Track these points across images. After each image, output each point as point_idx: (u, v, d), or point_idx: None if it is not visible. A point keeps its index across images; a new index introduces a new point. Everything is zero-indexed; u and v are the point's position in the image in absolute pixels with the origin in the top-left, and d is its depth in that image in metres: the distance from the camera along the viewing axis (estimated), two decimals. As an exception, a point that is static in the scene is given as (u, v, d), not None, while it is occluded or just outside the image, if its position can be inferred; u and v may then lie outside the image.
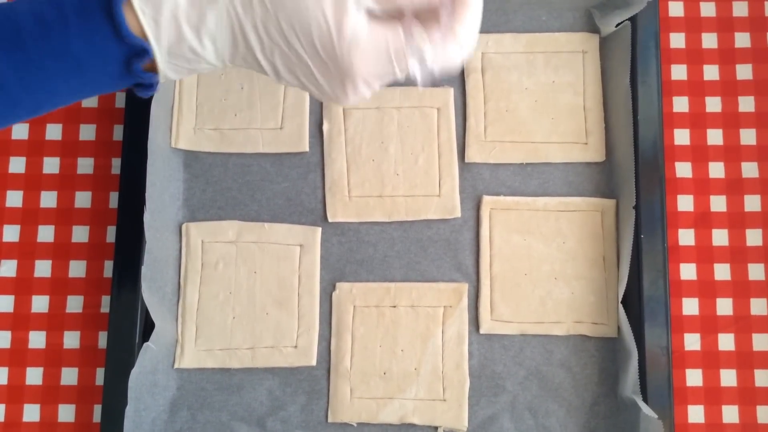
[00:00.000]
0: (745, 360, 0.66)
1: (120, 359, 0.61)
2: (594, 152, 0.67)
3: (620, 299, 0.63)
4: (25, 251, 0.68)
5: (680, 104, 0.70)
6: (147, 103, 0.62)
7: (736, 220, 0.68)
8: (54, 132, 0.70)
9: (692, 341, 0.67)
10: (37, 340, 0.67)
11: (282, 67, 0.39)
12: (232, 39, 0.38)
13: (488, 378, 0.65)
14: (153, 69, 0.38)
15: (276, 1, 0.36)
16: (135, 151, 0.63)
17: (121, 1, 0.35)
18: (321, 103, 0.68)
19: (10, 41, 0.35)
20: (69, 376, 0.66)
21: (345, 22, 0.37)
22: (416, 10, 0.39)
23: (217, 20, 0.37)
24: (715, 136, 0.70)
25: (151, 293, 0.61)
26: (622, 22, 0.66)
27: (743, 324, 0.67)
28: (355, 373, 0.64)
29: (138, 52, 0.36)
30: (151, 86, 0.39)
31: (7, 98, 0.36)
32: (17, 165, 0.70)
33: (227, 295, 0.66)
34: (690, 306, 0.67)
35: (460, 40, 0.40)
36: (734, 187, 0.69)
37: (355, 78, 0.39)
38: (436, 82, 0.42)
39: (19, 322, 0.67)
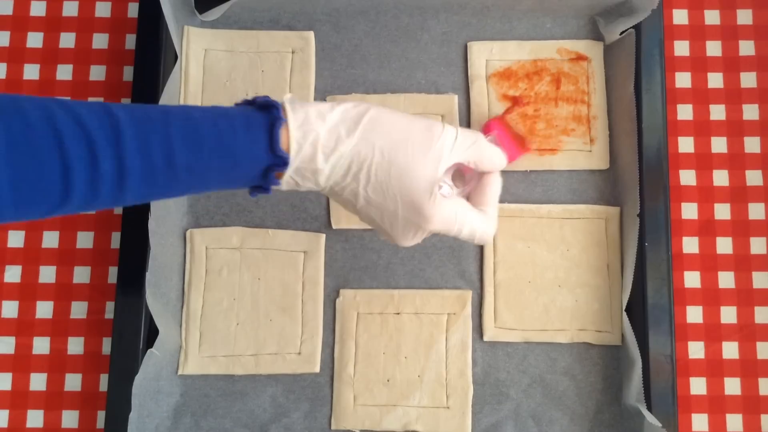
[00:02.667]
0: (750, 368, 0.66)
1: (124, 365, 0.61)
2: (598, 160, 0.67)
3: (624, 307, 0.63)
4: (30, 257, 0.68)
5: (684, 112, 0.70)
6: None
7: (740, 228, 0.68)
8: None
9: (696, 349, 0.67)
10: (41, 345, 0.67)
11: (373, 202, 0.48)
12: (346, 171, 0.47)
13: (492, 385, 0.64)
14: (277, 178, 0.47)
15: (392, 156, 0.46)
16: (140, 157, 0.63)
17: (280, 126, 0.45)
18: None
19: (191, 137, 0.44)
20: (73, 382, 0.66)
21: (436, 189, 0.48)
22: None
23: (342, 155, 0.46)
24: (719, 144, 0.70)
25: (156, 299, 0.61)
26: (626, 30, 0.66)
27: (747, 332, 0.67)
28: (359, 380, 0.64)
29: (279, 163, 0.45)
30: (267, 191, 0.48)
31: (172, 175, 0.43)
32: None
33: (231, 302, 0.66)
34: (694, 314, 0.67)
35: (492, 219, 0.52)
36: (738, 195, 0.69)
37: (428, 228, 0.49)
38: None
39: (24, 327, 0.67)
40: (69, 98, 0.44)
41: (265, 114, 0.46)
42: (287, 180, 0.47)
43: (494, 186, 0.53)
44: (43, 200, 0.40)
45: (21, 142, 0.38)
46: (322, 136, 0.46)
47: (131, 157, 0.41)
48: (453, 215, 0.49)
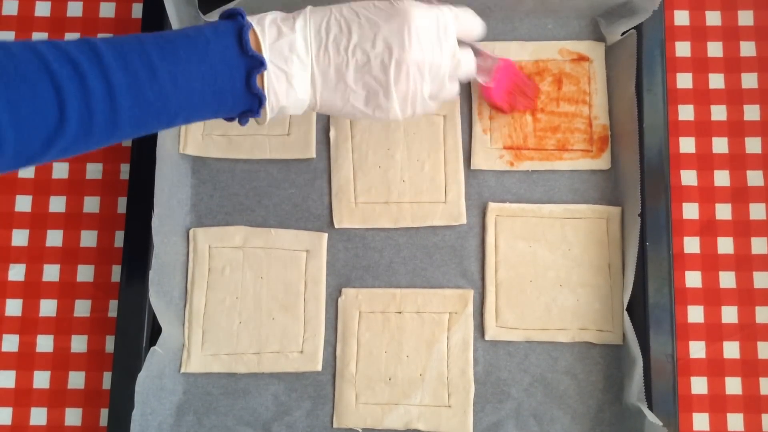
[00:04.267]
0: (750, 368, 0.66)
1: (127, 363, 0.61)
2: (600, 160, 0.68)
3: (625, 306, 0.63)
4: (34, 255, 0.69)
5: (685, 112, 0.70)
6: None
7: (741, 228, 0.69)
8: (63, 137, 0.71)
9: (697, 349, 0.67)
10: (44, 343, 0.67)
11: (359, 61, 0.49)
12: (319, 36, 0.49)
13: (493, 384, 0.65)
14: (261, 83, 0.48)
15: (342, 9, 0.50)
16: (143, 156, 0.64)
17: (248, 29, 0.47)
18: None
19: (166, 48, 0.45)
20: (76, 379, 0.67)
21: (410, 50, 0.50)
22: None
23: (303, 21, 0.49)
24: (720, 145, 0.70)
25: (159, 298, 0.62)
26: (627, 31, 0.66)
27: (748, 332, 0.67)
28: (361, 378, 0.65)
29: (255, 65, 0.47)
30: (256, 112, 0.49)
31: (158, 89, 0.44)
32: (27, 170, 0.70)
33: (234, 300, 0.66)
34: (695, 314, 0.67)
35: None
36: (739, 195, 0.69)
37: (411, 20, 0.49)
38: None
39: (27, 325, 0.68)
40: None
41: (230, 21, 0.48)
42: (274, 76, 0.48)
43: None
44: (42, 122, 0.41)
45: (8, 68, 0.40)
46: (279, 16, 0.49)
47: (114, 72, 0.43)
48: (427, 4, 0.52)
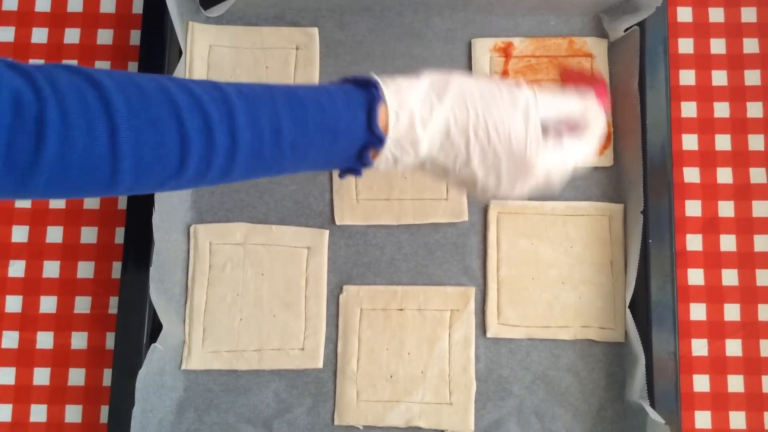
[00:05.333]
0: (753, 366, 0.66)
1: (127, 360, 0.61)
2: (602, 157, 0.67)
3: (627, 304, 0.63)
4: (34, 252, 0.69)
5: (688, 109, 0.70)
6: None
7: (744, 226, 0.68)
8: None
9: (700, 346, 0.67)
10: (44, 340, 0.67)
11: (476, 157, 0.48)
12: (445, 136, 0.47)
13: (495, 382, 0.64)
14: (372, 158, 0.48)
15: (487, 113, 0.47)
16: (144, 152, 0.63)
17: (378, 104, 0.46)
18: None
19: (296, 111, 0.44)
20: (76, 376, 0.67)
21: (532, 128, 0.48)
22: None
23: (439, 120, 0.47)
24: (723, 142, 0.70)
25: (159, 294, 0.61)
26: (630, 27, 0.66)
27: (751, 329, 0.67)
28: (362, 375, 0.64)
29: (374, 142, 0.46)
30: (358, 173, 0.49)
31: (278, 150, 0.44)
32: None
33: (234, 297, 0.66)
34: (697, 311, 0.67)
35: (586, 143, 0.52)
36: (742, 192, 0.69)
37: (536, 171, 0.49)
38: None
39: (27, 322, 0.67)
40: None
41: (364, 91, 0.47)
42: (385, 157, 0.47)
43: (593, 122, 0.52)
44: (161, 169, 0.41)
45: (141, 111, 0.39)
46: (417, 105, 0.46)
47: (242, 130, 0.42)
48: (556, 161, 0.50)
